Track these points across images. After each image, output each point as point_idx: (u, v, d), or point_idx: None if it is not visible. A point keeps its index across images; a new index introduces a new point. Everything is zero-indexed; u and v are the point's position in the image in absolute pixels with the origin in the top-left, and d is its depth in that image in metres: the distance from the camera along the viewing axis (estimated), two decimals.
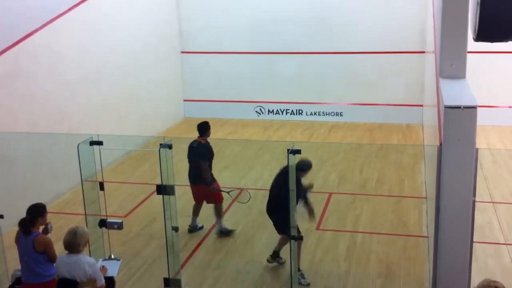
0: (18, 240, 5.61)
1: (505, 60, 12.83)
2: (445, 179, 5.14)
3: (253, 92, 14.63)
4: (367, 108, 14.10)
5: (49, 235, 5.65)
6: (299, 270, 6.81)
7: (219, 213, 8.08)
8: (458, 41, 5.77)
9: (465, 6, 5.48)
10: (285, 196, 6.19)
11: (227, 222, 8.27)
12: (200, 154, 7.85)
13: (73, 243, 5.17)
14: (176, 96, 14.81)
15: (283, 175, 6.78)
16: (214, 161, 8.04)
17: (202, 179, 7.88)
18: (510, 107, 13.32)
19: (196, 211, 8.29)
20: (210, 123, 8.09)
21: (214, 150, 7.99)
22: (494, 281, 4.26)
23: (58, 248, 5.53)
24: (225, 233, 8.07)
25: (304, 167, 6.82)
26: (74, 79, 10.36)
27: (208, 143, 7.98)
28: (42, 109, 9.49)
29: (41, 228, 5.63)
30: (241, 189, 9.00)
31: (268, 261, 7.27)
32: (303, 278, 6.84)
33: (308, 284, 6.81)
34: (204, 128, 7.99)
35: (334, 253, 7.57)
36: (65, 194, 9.69)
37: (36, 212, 5.56)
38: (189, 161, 8.06)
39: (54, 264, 5.43)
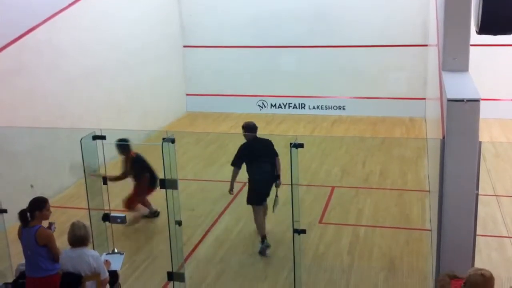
0: (20, 234, 5.62)
1: (508, 53, 12.76)
2: (448, 172, 5.15)
3: (255, 86, 14.61)
4: (370, 102, 14.07)
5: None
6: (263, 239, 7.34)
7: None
8: (461, 34, 5.77)
9: None
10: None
11: (230, 216, 8.27)
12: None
13: (85, 235, 5.23)
14: (179, 91, 14.79)
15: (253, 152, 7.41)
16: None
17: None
18: None
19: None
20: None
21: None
22: (481, 269, 4.33)
23: (63, 242, 5.54)
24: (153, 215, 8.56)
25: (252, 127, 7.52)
26: (77, 75, 10.35)
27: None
28: (44, 104, 9.48)
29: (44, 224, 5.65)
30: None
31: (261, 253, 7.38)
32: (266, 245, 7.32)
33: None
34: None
35: (337, 246, 7.58)
36: (68, 188, 9.71)
37: (33, 206, 5.55)
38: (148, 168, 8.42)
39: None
